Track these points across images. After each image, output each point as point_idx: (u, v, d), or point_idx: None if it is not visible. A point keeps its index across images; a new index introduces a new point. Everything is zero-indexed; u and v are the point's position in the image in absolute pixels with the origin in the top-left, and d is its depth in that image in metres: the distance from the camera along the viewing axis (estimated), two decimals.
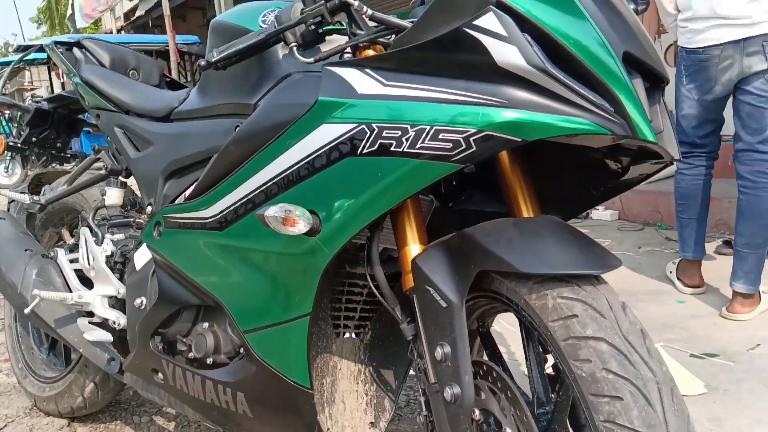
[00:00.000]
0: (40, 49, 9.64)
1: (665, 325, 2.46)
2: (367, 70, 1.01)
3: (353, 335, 1.37)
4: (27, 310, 1.62)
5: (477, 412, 1.04)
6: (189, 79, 11.44)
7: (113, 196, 1.72)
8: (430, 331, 1.01)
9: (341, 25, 1.18)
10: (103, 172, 1.75)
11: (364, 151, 0.98)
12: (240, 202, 1.18)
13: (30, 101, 2.17)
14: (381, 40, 1.11)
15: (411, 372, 2.10)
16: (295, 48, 1.13)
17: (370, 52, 1.12)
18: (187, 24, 13.49)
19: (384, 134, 0.96)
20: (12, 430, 1.93)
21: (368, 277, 1.16)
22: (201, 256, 1.30)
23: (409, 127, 0.94)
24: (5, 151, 2.17)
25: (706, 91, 2.59)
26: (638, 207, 4.17)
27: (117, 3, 11.73)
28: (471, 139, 0.90)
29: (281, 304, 1.17)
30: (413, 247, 1.08)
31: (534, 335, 1.03)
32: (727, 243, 3.36)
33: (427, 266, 1.02)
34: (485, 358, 1.16)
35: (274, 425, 1.30)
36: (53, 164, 2.40)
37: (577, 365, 0.80)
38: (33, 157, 2.30)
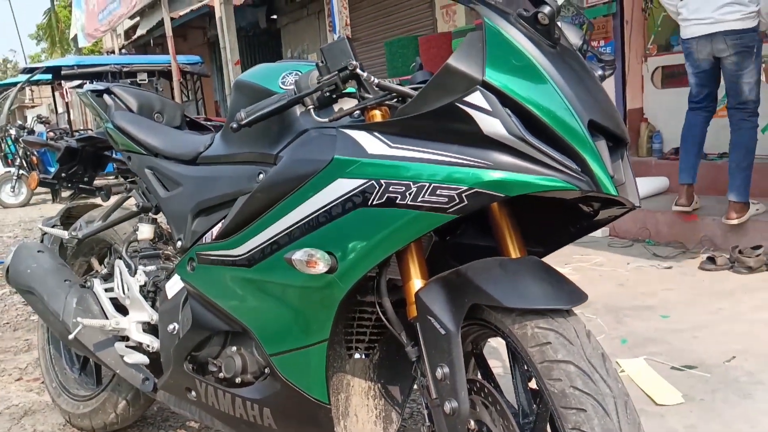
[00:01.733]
0: (45, 71, 9.85)
1: (648, 339, 2.65)
2: (376, 134, 1.21)
3: (363, 356, 1.55)
4: (71, 337, 1.81)
5: (472, 423, 1.24)
6: (191, 98, 11.67)
7: (145, 231, 1.91)
8: (431, 354, 1.20)
9: (351, 89, 1.37)
10: (134, 209, 1.94)
11: (374, 202, 1.18)
12: (267, 243, 1.37)
13: (64, 139, 2.36)
14: (386, 103, 1.31)
15: (414, 387, 2.29)
16: (312, 110, 1.32)
17: (377, 113, 1.31)
18: (188, 43, 13.74)
19: (390, 189, 1.16)
20: None
21: (377, 306, 1.35)
22: (231, 289, 1.49)
23: (411, 183, 1.14)
24: (37, 187, 2.36)
25: (696, 68, 3.82)
26: (628, 224, 4.36)
27: (119, 23, 11.97)
28: (463, 194, 1.10)
29: (303, 331, 1.36)
30: (416, 282, 1.27)
31: (519, 357, 1.22)
32: (711, 259, 3.55)
33: (428, 299, 1.21)
34: (479, 376, 1.34)
35: None
36: (81, 196, 2.59)
37: (550, 383, 0.99)
38: (62, 191, 2.49)
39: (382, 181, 1.16)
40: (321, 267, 1.21)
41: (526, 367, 1.25)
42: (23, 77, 10.17)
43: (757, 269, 3.40)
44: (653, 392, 2.20)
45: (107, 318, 1.88)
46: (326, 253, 1.23)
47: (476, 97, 1.10)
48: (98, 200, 2.48)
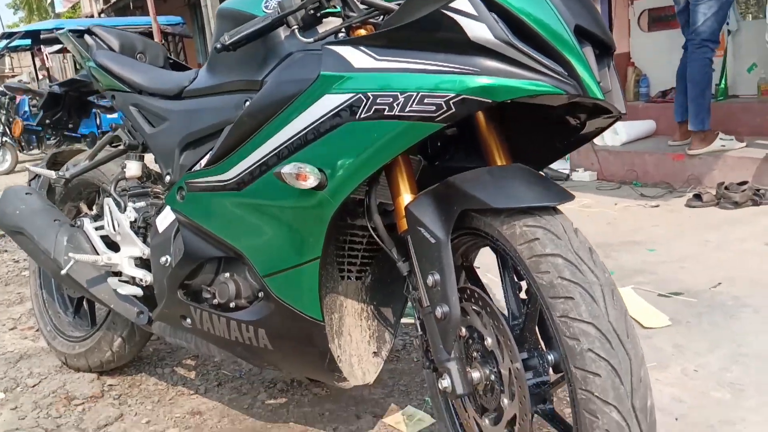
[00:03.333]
0: (24, 35, 9.66)
1: (636, 271, 2.69)
2: (362, 48, 1.20)
3: (356, 279, 1.57)
4: (63, 272, 1.82)
5: (464, 330, 1.26)
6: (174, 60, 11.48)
7: (133, 168, 1.90)
8: (422, 263, 1.22)
9: (335, 8, 1.35)
10: (121, 147, 1.93)
11: (362, 116, 1.17)
12: (255, 165, 1.36)
13: (47, 85, 2.33)
14: (371, 20, 1.30)
15: (404, 321, 2.32)
16: (296, 30, 1.31)
17: (362, 32, 1.30)
18: (168, 4, 13.47)
19: (378, 101, 1.16)
20: (47, 385, 2.13)
21: (368, 223, 1.36)
22: (222, 214, 1.49)
23: (399, 94, 1.13)
24: (22, 134, 2.34)
25: (677, 4, 4.00)
26: (615, 167, 4.39)
27: None
28: (451, 102, 1.10)
29: (295, 251, 1.37)
30: (405, 197, 1.28)
31: (508, 263, 1.24)
32: (697, 196, 3.58)
33: (418, 211, 1.22)
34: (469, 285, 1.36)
35: (292, 355, 1.52)
36: (65, 143, 2.57)
37: (539, 276, 1.01)
38: (47, 138, 2.47)
39: (370, 94, 1.16)
40: (311, 180, 1.22)
41: (514, 276, 1.27)
42: (1, 44, 9.97)
43: (743, 204, 3.44)
44: (640, 317, 2.24)
45: (97, 252, 1.88)
46: (316, 167, 1.23)
47: (462, 3, 1.09)
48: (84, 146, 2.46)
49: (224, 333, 1.56)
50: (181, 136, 1.70)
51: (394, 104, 1.14)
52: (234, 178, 1.42)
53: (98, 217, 2.05)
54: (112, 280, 1.81)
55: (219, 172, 1.46)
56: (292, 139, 1.28)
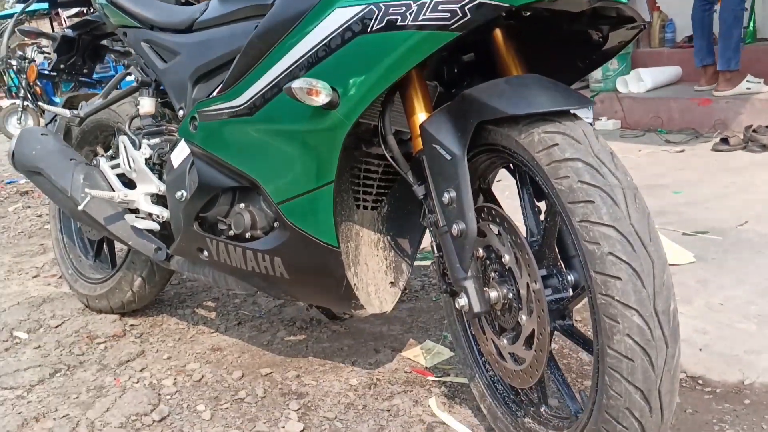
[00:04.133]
0: None
1: (661, 212, 2.64)
2: None
3: (371, 208, 1.55)
4: (80, 207, 1.81)
5: (480, 250, 1.24)
6: None
7: (146, 105, 1.88)
8: (438, 181, 1.19)
9: None
10: (134, 84, 1.91)
11: (374, 28, 1.13)
12: (267, 87, 1.33)
13: (61, 29, 2.31)
14: None
15: (422, 264, 2.29)
16: None
17: None
18: None
19: (390, 11, 1.11)
20: (69, 325, 2.15)
21: (383, 148, 1.33)
22: (235, 142, 1.47)
23: (411, 2, 1.09)
24: (38, 79, 2.33)
25: None
26: (639, 114, 4.29)
27: None
28: (466, 7, 1.05)
29: (309, 175, 1.35)
30: (420, 116, 1.24)
31: (526, 180, 1.21)
32: (724, 140, 3.49)
33: (433, 128, 1.19)
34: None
35: (308, 284, 1.50)
36: (81, 89, 2.55)
37: (558, 182, 0.97)
38: (62, 83, 2.46)
39: (381, 4, 1.12)
40: (323, 96, 1.18)
41: (533, 196, 1.24)
42: (18, 8, 9.94)
43: None
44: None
45: (113, 189, 1.88)
46: (328, 85, 1.20)
47: None
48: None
49: (241, 263, 1.55)
50: (193, 69, 1.68)
51: (407, 13, 1.10)
52: (246, 102, 1.39)
53: (114, 157, 2.04)
54: (129, 217, 1.80)
55: (231, 98, 1.43)
56: (304, 57, 1.25)
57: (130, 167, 1.84)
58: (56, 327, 2.15)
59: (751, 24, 4.27)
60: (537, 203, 1.25)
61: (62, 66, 2.35)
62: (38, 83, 8.89)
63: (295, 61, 1.26)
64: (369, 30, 1.14)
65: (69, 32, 2.32)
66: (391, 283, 1.56)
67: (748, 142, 3.42)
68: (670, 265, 2.11)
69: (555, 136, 1.00)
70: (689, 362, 1.60)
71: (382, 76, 1.17)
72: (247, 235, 1.53)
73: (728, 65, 3.82)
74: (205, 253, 1.63)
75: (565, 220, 0.98)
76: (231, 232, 1.56)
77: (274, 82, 1.32)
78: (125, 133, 1.90)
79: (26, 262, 2.97)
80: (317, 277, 1.46)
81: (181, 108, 1.73)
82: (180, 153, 1.71)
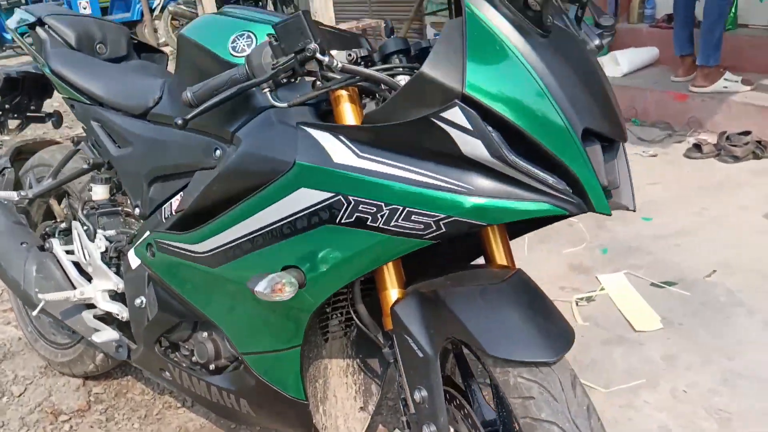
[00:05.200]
0: None
1: (630, 249, 2.64)
2: (342, 137, 1.06)
3: (341, 337, 1.50)
4: (34, 313, 1.74)
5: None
6: (137, 40, 10.60)
7: (99, 192, 1.77)
8: (409, 374, 1.15)
9: (310, 74, 1.18)
10: (85, 166, 1.78)
11: (342, 221, 1.06)
12: (230, 246, 1.25)
13: (1, 70, 2.13)
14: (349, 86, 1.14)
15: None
16: (268, 93, 1.15)
17: (343, 93, 1.14)
18: None
19: (360, 208, 1.04)
20: (32, 393, 2.11)
21: (351, 310, 1.28)
22: (196, 284, 1.40)
23: (383, 205, 1.02)
24: None
25: None
26: None
27: None
28: (441, 222, 0.98)
29: (274, 337, 1.29)
30: (392, 292, 1.18)
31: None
32: (697, 146, 3.46)
33: (405, 316, 1.13)
34: (458, 377, 1.29)
35: (277, 424, 1.48)
36: (29, 124, 2.39)
37: None
38: (8, 123, 2.30)
39: (351, 198, 1.04)
40: (288, 292, 1.11)
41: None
42: None
43: (744, 158, 3.33)
44: (632, 317, 2.20)
45: (70, 281, 1.80)
46: (294, 275, 1.13)
47: (455, 113, 0.95)
48: (46, 134, 2.30)
49: (205, 394, 1.51)
50: (148, 169, 1.57)
51: (378, 215, 1.02)
52: (207, 252, 1.31)
53: (67, 232, 1.94)
54: (87, 317, 1.73)
55: (191, 242, 1.34)
56: (267, 229, 1.17)
57: (85, 259, 1.75)
58: (19, 396, 2.10)
59: (733, 9, 4.14)
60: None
61: (7, 106, 2.20)
62: None
63: (259, 229, 1.19)
64: (337, 221, 1.07)
65: (12, 72, 2.15)
66: (361, 408, 1.54)
67: (721, 151, 3.39)
68: (638, 331, 2.15)
69: (532, 386, 0.96)
70: None
71: (350, 267, 1.12)
72: (211, 366, 1.49)
73: (707, 61, 3.74)
74: (167, 374, 1.59)
75: None
76: (194, 358, 1.51)
77: (236, 243, 1.24)
78: (79, 220, 1.79)
79: None
80: (285, 423, 1.43)
81: (137, 206, 1.63)
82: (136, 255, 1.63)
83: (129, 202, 1.69)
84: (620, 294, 2.34)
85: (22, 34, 1.97)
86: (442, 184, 0.98)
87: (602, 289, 2.39)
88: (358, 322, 1.28)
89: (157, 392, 2.08)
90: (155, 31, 10.09)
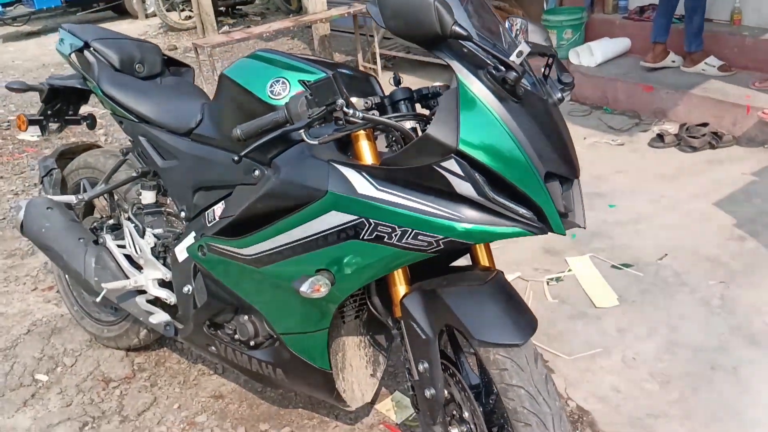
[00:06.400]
0: None
1: (594, 234, 3.02)
2: (364, 174, 1.41)
3: (354, 318, 1.87)
4: (98, 299, 2.08)
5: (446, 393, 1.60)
6: (168, 56, 10.64)
7: (148, 197, 2.10)
8: (414, 350, 1.52)
9: (339, 120, 1.51)
10: (134, 174, 2.11)
11: (365, 237, 1.41)
12: (273, 251, 1.60)
13: (47, 80, 2.43)
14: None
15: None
16: (303, 132, 1.49)
17: (361, 132, 1.48)
18: None
19: (379, 228, 1.39)
20: (83, 363, 2.46)
21: (368, 301, 1.65)
22: (242, 279, 1.75)
23: (397, 227, 1.37)
24: (28, 126, 2.46)
25: None
26: (589, 91, 4.56)
27: None
28: (440, 241, 1.34)
29: (307, 322, 1.66)
30: (400, 288, 1.55)
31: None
32: (660, 137, 3.83)
33: (412, 307, 1.50)
34: (449, 349, 1.67)
35: (306, 389, 1.86)
36: (66, 127, 2.69)
37: (507, 401, 1.33)
38: (50, 126, 2.59)
39: (372, 221, 1.39)
40: (323, 291, 1.47)
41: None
42: None
43: (701, 148, 3.71)
44: (594, 295, 2.60)
45: (123, 270, 2.14)
46: (326, 276, 1.48)
47: (451, 164, 1.31)
48: (88, 138, 2.59)
49: (246, 365, 1.88)
50: (194, 180, 1.90)
51: (393, 234, 1.38)
52: (253, 255, 1.65)
53: (116, 228, 2.27)
54: (141, 301, 2.08)
55: (240, 246, 1.68)
56: (305, 240, 1.52)
57: (137, 253, 2.09)
58: (71, 366, 2.45)
59: None
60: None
61: (49, 112, 2.49)
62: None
63: (298, 240, 1.53)
64: (361, 237, 1.42)
65: (56, 83, 2.44)
66: (371, 375, 1.92)
67: (681, 141, 3.77)
68: (598, 308, 2.54)
69: (506, 361, 1.34)
70: (604, 421, 2.04)
71: (370, 270, 1.48)
72: (251, 342, 1.85)
73: (690, 48, 4.21)
74: (213, 348, 1.95)
75: (509, 419, 1.34)
76: (236, 336, 1.87)
77: (278, 250, 1.59)
78: (130, 220, 2.12)
79: (19, 266, 3.19)
80: (313, 388, 1.81)
81: (183, 210, 1.96)
82: (184, 249, 1.97)
83: (175, 206, 2.03)
84: (585, 275, 2.74)
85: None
86: (441, 212, 1.33)
87: (570, 270, 2.78)
88: (372, 309, 1.65)
89: (191, 361, 2.44)
90: (143, 1, 10.20)
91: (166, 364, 2.45)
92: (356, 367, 1.89)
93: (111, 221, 2.31)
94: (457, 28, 1.25)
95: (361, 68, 5.41)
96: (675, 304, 2.52)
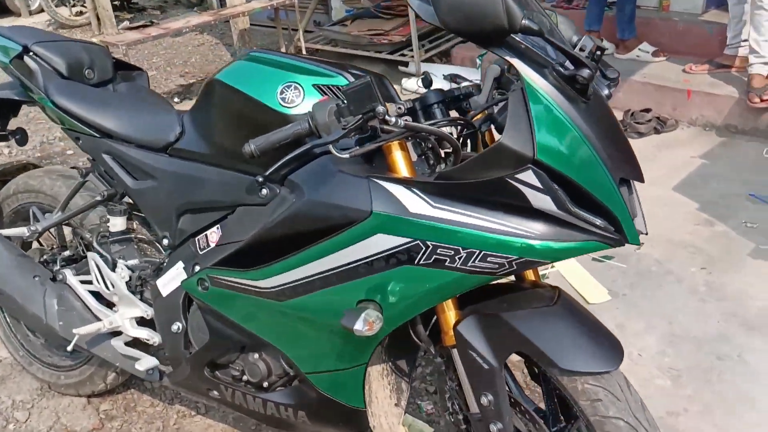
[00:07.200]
0: None
1: None
2: (415, 190, 1.23)
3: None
4: (69, 348, 1.77)
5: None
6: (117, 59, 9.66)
7: (118, 224, 1.81)
8: (474, 382, 1.36)
9: (374, 131, 1.32)
10: (98, 198, 1.81)
11: (421, 262, 1.24)
12: (300, 282, 1.39)
13: None
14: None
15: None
16: (332, 146, 1.29)
17: (395, 143, 1.30)
18: None
19: (439, 251, 1.22)
20: (39, 417, 2.13)
21: (411, 330, 1.47)
22: (257, 315, 1.52)
23: (461, 249, 1.21)
24: None
25: None
26: None
27: None
28: (513, 261, 1.19)
29: (342, 358, 1.47)
30: (450, 314, 1.38)
31: (549, 379, 1.41)
32: None
33: (468, 333, 1.34)
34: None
35: (333, 430, 1.65)
36: None
37: None
38: None
39: (429, 243, 1.22)
40: (376, 327, 1.29)
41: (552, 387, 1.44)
42: None
43: (647, 133, 3.77)
44: (584, 291, 2.54)
45: (91, 311, 1.84)
46: (376, 309, 1.30)
47: (528, 176, 1.16)
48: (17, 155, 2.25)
49: (259, 409, 1.65)
50: (178, 202, 1.66)
51: (456, 257, 1.21)
52: (273, 288, 1.44)
53: (74, 261, 1.96)
54: (117, 343, 1.80)
55: (254, 278, 1.46)
56: (343, 269, 1.32)
57: (108, 290, 1.81)
58: (26, 422, 2.12)
59: None
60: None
61: None
62: None
63: (333, 268, 1.33)
64: (416, 263, 1.25)
65: None
66: (396, 404, 1.75)
67: (627, 128, 3.81)
68: (591, 304, 2.49)
69: (598, 390, 1.21)
70: None
71: (425, 299, 1.31)
72: (264, 383, 1.63)
73: (623, 35, 4.29)
74: (215, 393, 1.71)
75: None
76: (245, 378, 1.64)
77: (307, 281, 1.38)
78: (94, 251, 1.83)
79: None
80: (341, 428, 1.61)
81: (164, 237, 1.71)
82: (168, 283, 1.71)
83: (154, 232, 1.76)
84: (569, 269, 2.68)
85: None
86: (514, 230, 1.18)
87: (553, 266, 2.71)
88: (415, 339, 1.47)
89: (167, 402, 2.17)
90: None
91: (138, 408, 2.16)
92: (381, 398, 1.70)
93: (66, 253, 1.99)
94: (528, 22, 1.10)
95: None
96: (665, 295, 2.50)
